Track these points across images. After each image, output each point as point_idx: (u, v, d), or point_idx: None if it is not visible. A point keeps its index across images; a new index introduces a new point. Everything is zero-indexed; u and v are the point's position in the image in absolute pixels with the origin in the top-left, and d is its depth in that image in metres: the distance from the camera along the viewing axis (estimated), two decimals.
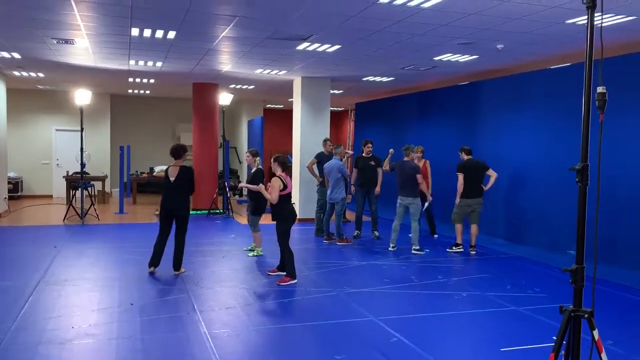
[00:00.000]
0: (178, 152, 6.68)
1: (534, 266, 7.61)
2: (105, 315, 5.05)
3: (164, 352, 4.16)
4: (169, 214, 6.61)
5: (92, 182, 13.62)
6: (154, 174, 15.02)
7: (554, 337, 4.60)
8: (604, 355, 2.49)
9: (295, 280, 6.35)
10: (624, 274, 6.63)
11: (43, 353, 4.08)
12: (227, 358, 4.05)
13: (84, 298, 5.64)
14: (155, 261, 6.62)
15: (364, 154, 9.60)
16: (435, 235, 9.65)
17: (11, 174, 14.13)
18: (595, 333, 2.47)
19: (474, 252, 8.32)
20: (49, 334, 4.49)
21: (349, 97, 15.39)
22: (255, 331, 4.73)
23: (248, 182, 7.58)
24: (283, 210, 6.40)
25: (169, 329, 4.72)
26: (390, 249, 8.51)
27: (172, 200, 6.57)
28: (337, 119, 19.90)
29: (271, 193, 6.30)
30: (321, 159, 9.52)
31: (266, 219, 8.23)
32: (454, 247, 8.55)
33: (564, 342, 2.52)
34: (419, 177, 8.35)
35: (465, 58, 8.60)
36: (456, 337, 4.74)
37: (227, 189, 12.56)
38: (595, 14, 2.43)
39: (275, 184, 6.27)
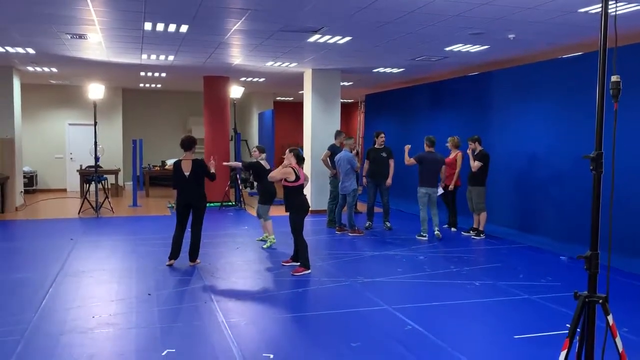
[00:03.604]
0: (189, 144, 6.73)
1: (545, 255, 7.64)
2: (124, 305, 5.16)
3: (184, 341, 4.25)
4: (186, 207, 6.68)
5: (105, 176, 13.80)
6: (167, 166, 15.16)
7: (568, 325, 4.65)
8: (618, 340, 2.53)
9: (309, 271, 6.43)
10: (637, 263, 6.63)
11: (66, 342, 4.19)
12: (246, 346, 4.13)
13: (102, 289, 5.75)
14: (175, 254, 6.72)
15: (376, 146, 9.62)
16: (454, 229, 9.53)
17: (25, 168, 14.31)
18: (610, 318, 2.51)
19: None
20: (70, 324, 4.60)
21: (358, 88, 15.40)
22: (272, 320, 4.81)
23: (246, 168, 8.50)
24: (296, 202, 6.48)
25: (188, 318, 4.82)
26: (422, 237, 8.67)
27: (190, 193, 6.64)
28: (347, 111, 19.90)
29: (274, 172, 6.61)
30: (334, 150, 9.55)
31: (279, 211, 8.32)
32: (481, 235, 8.80)
33: (579, 327, 2.56)
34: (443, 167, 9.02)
35: (477, 48, 8.59)
36: (470, 325, 4.79)
37: (239, 182, 12.65)
38: (610, 2, 2.45)
39: (286, 170, 6.45)
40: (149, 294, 5.49)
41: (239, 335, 4.38)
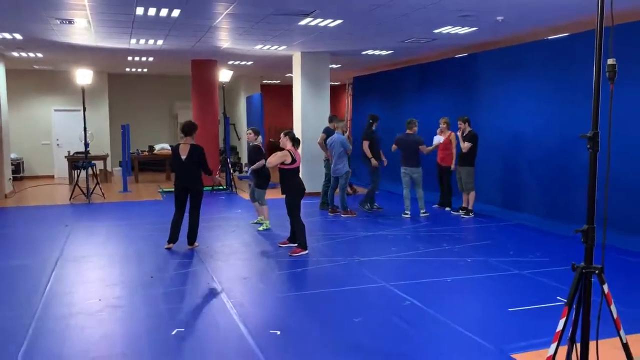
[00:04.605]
0: (189, 128, 6.80)
1: (533, 232, 7.87)
2: (128, 288, 5.26)
3: (192, 320, 4.38)
4: (184, 191, 6.75)
5: (94, 162, 13.74)
6: (155, 151, 15.14)
7: (559, 297, 4.87)
8: (613, 307, 2.70)
9: (307, 251, 6.57)
10: (625, 239, 6.86)
11: (76, 324, 4.29)
12: (253, 324, 4.27)
13: (104, 273, 5.84)
14: (174, 238, 6.82)
15: (374, 129, 9.62)
16: (447, 209, 9.73)
17: (12, 155, 14.17)
18: (605, 287, 2.68)
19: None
20: (77, 307, 4.70)
21: (346, 71, 15.45)
22: (275, 299, 4.96)
23: (249, 157, 8.09)
24: (292, 184, 6.59)
25: (192, 299, 4.95)
26: (404, 215, 9.09)
27: (186, 177, 6.71)
28: (334, 94, 19.90)
29: (271, 157, 6.58)
30: (329, 133, 9.61)
31: (274, 194, 8.43)
32: (470, 214, 9.02)
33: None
34: (422, 148, 9.07)
35: (465, 30, 8.70)
36: (465, 299, 4.99)
37: (229, 166, 12.70)
38: None
39: (283, 154, 6.52)
40: (152, 277, 5.60)
41: (244, 313, 4.51)
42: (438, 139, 9.51)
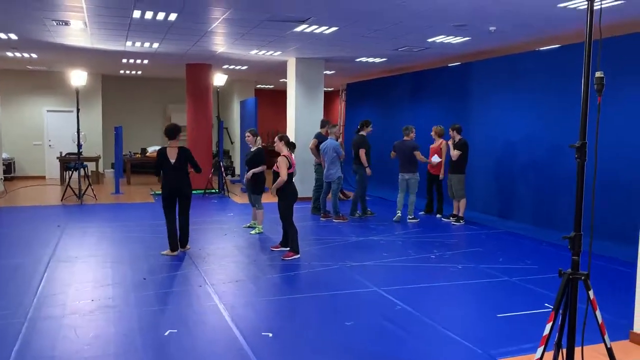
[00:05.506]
0: (173, 132, 6.67)
1: (524, 240, 7.97)
2: (121, 289, 5.28)
3: (184, 322, 4.41)
4: (172, 195, 6.66)
5: (86, 163, 13.72)
6: (147, 154, 15.13)
7: (546, 304, 4.95)
8: (598, 313, 2.78)
9: (299, 255, 6.62)
10: (609, 247, 6.97)
11: (69, 324, 4.31)
12: (245, 326, 4.32)
13: (97, 274, 5.85)
14: (176, 245, 6.70)
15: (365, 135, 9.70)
16: (438, 215, 9.79)
17: (4, 155, 14.13)
18: (591, 293, 2.75)
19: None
20: (70, 307, 4.72)
21: (340, 77, 15.55)
22: (267, 302, 5.00)
23: (249, 159, 7.95)
24: (286, 189, 6.64)
25: (185, 300, 4.97)
26: (395, 218, 9.31)
27: (175, 181, 6.63)
28: (328, 99, 20.01)
29: (280, 170, 6.50)
30: (320, 139, 9.69)
31: (268, 198, 8.47)
32: (461, 221, 9.10)
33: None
34: (416, 153, 9.15)
35: (458, 40, 8.82)
36: (455, 304, 5.06)
37: (222, 169, 12.73)
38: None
39: (282, 162, 6.52)
40: (144, 278, 5.62)
41: (236, 316, 4.55)
42: (436, 159, 9.52)
